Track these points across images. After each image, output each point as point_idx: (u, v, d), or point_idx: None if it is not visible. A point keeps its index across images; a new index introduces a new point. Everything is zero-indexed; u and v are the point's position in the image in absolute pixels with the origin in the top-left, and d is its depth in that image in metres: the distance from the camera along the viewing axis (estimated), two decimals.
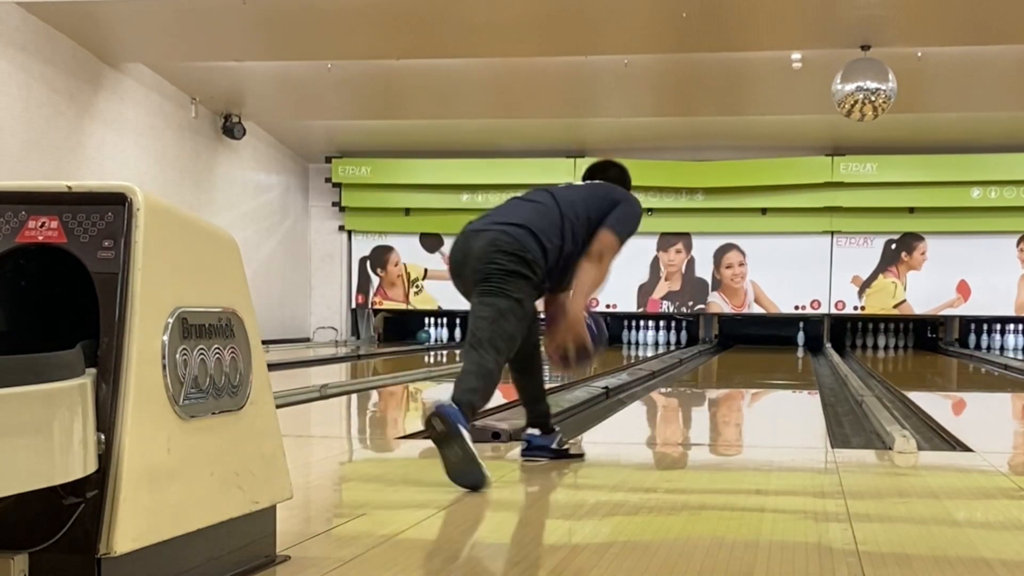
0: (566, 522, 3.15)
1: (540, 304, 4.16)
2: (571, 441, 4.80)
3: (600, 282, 4.12)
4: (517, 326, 3.89)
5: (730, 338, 14.62)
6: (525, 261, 3.92)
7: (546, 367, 4.28)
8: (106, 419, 1.93)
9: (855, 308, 14.07)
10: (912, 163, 13.51)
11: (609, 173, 4.39)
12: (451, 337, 15.04)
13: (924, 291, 13.89)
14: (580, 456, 4.32)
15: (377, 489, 3.65)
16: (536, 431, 4.24)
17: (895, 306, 14.02)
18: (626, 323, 14.86)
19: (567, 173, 13.44)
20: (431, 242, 14.75)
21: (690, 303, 14.35)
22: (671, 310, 14.46)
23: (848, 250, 13.99)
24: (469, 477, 3.49)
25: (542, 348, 4.21)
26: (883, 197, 13.62)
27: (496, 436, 4.60)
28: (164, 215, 2.10)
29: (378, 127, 13.46)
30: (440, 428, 3.51)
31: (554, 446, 4.23)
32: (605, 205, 4.11)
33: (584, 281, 4.05)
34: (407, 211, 14.65)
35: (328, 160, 14.68)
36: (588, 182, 4.37)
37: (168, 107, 11.52)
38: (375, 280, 14.96)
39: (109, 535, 1.91)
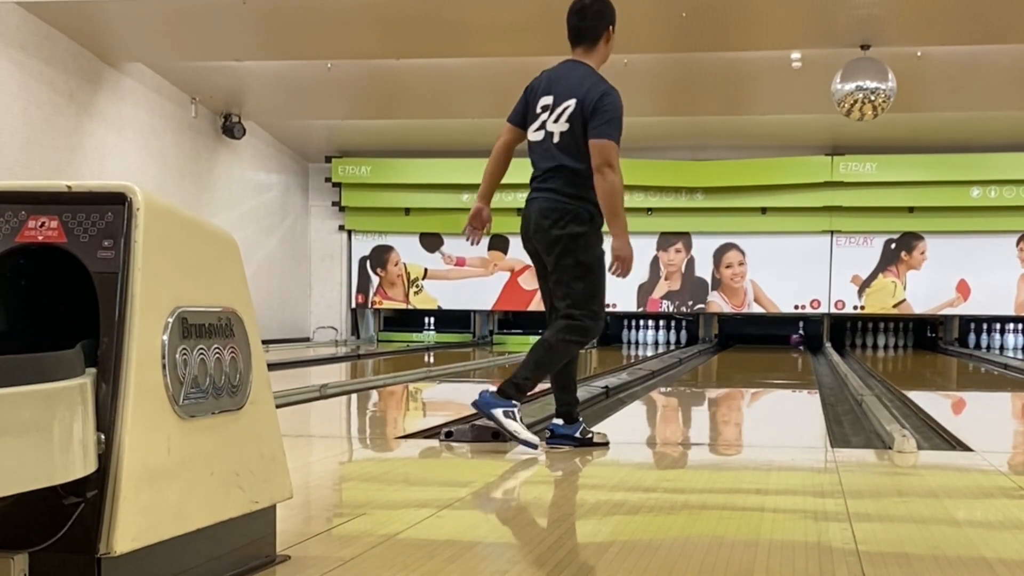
0: (566, 522, 3.15)
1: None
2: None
3: (617, 190, 4.27)
4: (597, 279, 4.37)
5: (730, 337, 14.63)
6: (574, 215, 4.30)
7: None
8: (106, 419, 1.93)
9: (855, 308, 14.07)
10: (912, 163, 13.52)
11: (586, 23, 4.44)
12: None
13: (924, 291, 13.90)
14: (605, 444, 4.52)
15: (377, 489, 3.65)
16: (560, 421, 4.50)
17: (895, 306, 14.02)
18: (626, 323, 14.86)
19: None
20: (431, 242, 14.75)
21: (690, 303, 14.35)
22: (671, 310, 14.46)
23: (848, 249, 14.00)
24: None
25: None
26: (883, 197, 13.63)
27: (496, 436, 4.60)
28: (164, 215, 2.10)
29: (378, 127, 13.46)
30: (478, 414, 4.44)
31: (577, 435, 4.46)
32: (586, 117, 4.31)
33: (605, 202, 4.27)
34: (407, 211, 14.65)
35: (328, 160, 14.69)
36: (567, 79, 4.40)
37: (168, 107, 11.52)
38: (375, 280, 14.97)
39: (109, 535, 1.91)
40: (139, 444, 1.97)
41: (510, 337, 14.78)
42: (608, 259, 4.37)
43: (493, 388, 4.41)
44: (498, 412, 4.32)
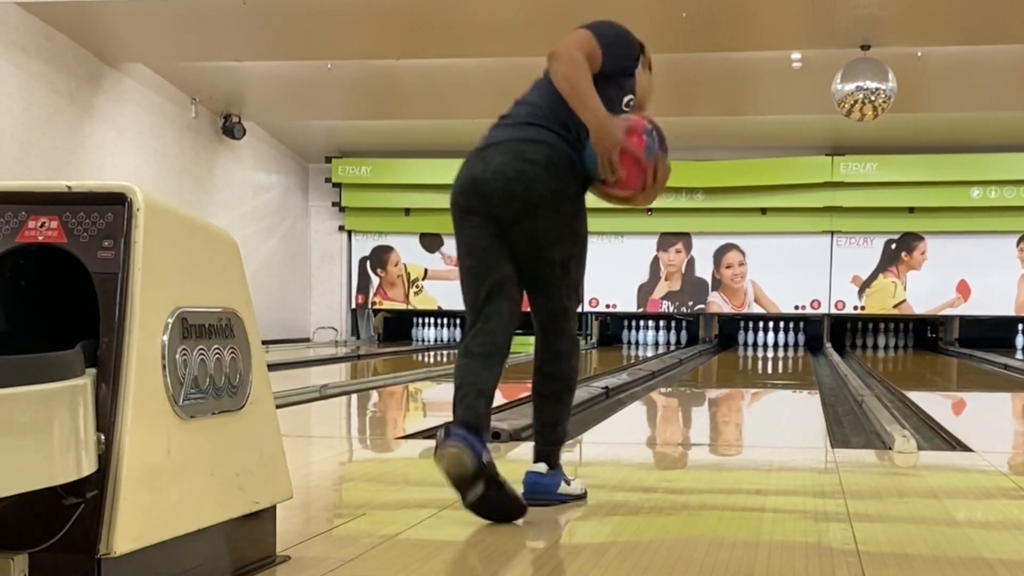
0: (566, 522, 3.15)
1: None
2: (574, 439, 4.81)
3: (573, 74, 3.11)
4: (578, 269, 3.31)
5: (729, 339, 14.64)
6: (566, 163, 3.13)
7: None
8: (106, 419, 1.93)
9: (855, 308, 14.07)
10: (912, 163, 13.52)
11: None
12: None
13: (924, 291, 13.90)
14: (584, 495, 3.38)
15: (377, 489, 3.65)
16: (542, 467, 3.30)
17: (895, 306, 14.02)
18: (626, 323, 14.86)
19: None
20: (431, 242, 14.75)
21: (690, 303, 14.35)
22: (671, 310, 14.46)
23: (848, 250, 13.99)
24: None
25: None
26: (883, 197, 13.63)
27: (496, 436, 4.60)
28: (164, 215, 2.10)
29: (378, 127, 13.47)
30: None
31: (561, 490, 3.30)
32: None
33: (564, 89, 3.13)
34: (407, 211, 14.65)
35: (328, 160, 14.69)
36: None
37: (168, 107, 11.52)
38: (375, 280, 14.97)
39: (109, 535, 1.91)
40: (139, 444, 1.97)
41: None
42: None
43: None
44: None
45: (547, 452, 3.28)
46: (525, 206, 3.11)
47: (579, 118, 3.12)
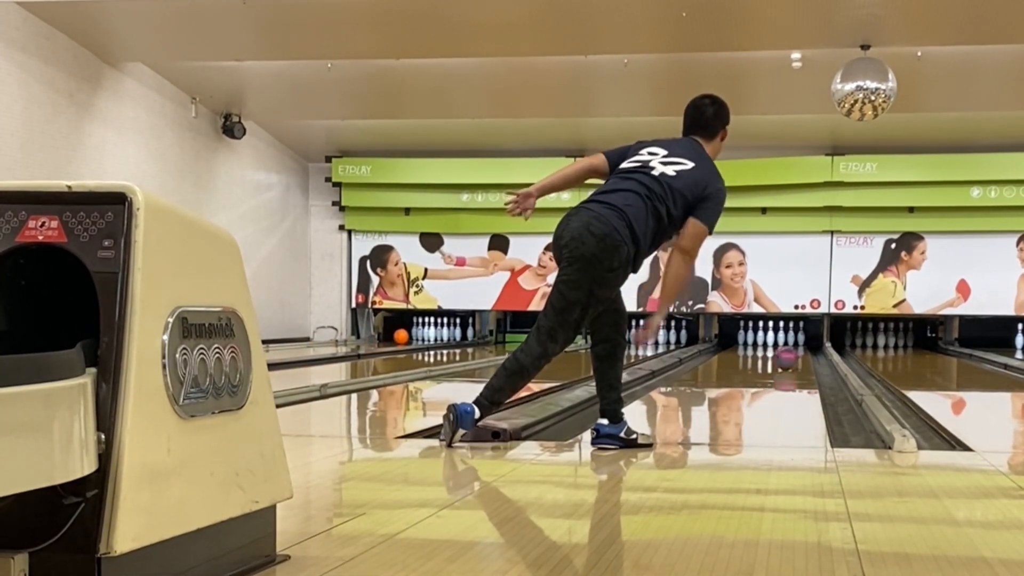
0: (566, 522, 3.15)
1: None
2: (574, 439, 4.81)
3: (686, 277, 4.53)
4: (582, 314, 4.32)
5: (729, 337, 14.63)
6: (613, 247, 4.18)
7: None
8: (106, 418, 1.93)
9: (855, 307, 14.07)
10: (912, 163, 13.52)
11: (709, 117, 4.60)
12: (463, 336, 15.12)
13: (924, 290, 13.90)
14: (649, 445, 4.51)
15: (377, 489, 3.65)
16: (605, 420, 4.45)
17: (895, 305, 14.02)
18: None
19: None
20: (431, 241, 14.76)
21: (690, 302, 14.35)
22: (671, 309, 14.45)
23: (848, 249, 14.00)
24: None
25: (627, 339, 4.67)
26: (883, 196, 13.63)
27: (496, 435, 4.61)
28: (164, 215, 2.10)
29: (378, 127, 13.47)
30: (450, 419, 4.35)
31: (622, 435, 4.44)
32: (698, 192, 4.36)
33: (669, 280, 4.45)
34: (407, 210, 14.66)
35: (328, 159, 14.70)
36: (685, 146, 4.51)
37: (168, 107, 11.52)
38: (375, 279, 14.97)
39: (109, 534, 1.91)
40: (139, 444, 1.97)
41: (517, 336, 14.76)
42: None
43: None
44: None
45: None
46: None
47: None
